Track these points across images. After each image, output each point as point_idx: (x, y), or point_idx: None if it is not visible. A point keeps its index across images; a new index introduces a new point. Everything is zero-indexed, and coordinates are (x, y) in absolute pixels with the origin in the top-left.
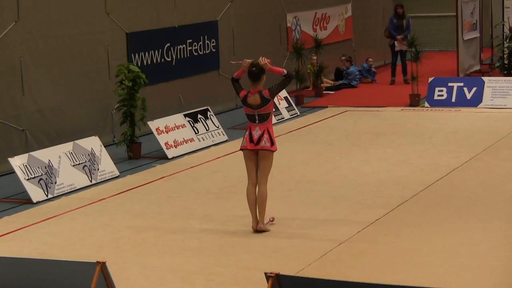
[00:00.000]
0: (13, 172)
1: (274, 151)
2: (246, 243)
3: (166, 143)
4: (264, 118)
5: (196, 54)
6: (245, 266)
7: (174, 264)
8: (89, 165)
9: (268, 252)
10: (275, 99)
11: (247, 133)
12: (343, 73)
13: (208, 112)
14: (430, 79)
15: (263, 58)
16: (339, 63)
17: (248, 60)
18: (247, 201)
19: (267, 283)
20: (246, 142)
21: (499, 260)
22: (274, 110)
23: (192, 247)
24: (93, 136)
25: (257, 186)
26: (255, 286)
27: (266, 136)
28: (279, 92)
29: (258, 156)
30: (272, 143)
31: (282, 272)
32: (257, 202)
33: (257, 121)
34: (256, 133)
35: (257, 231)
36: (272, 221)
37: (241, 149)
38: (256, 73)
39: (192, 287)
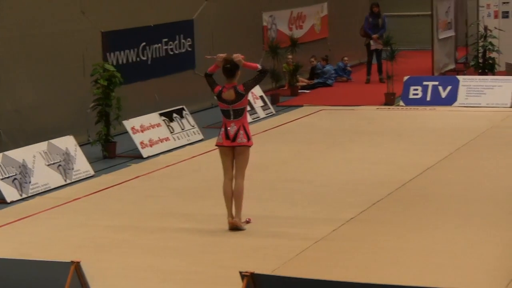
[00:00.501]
0: None
1: (250, 146)
2: (225, 242)
3: (141, 142)
4: (239, 113)
5: (171, 53)
6: (224, 265)
7: (153, 263)
8: (63, 164)
9: (247, 251)
10: (251, 98)
11: (223, 129)
12: (314, 73)
13: (184, 111)
14: (405, 78)
15: (237, 55)
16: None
17: (221, 55)
18: (224, 195)
19: (242, 282)
20: (222, 139)
21: (477, 258)
22: (249, 109)
23: (170, 247)
24: (68, 136)
25: (233, 181)
26: (233, 285)
27: (242, 132)
28: (254, 86)
29: (234, 152)
30: (248, 138)
31: (259, 271)
32: (233, 196)
33: (232, 117)
34: (232, 130)
35: (233, 226)
36: (248, 222)
37: (217, 146)
38: (230, 69)
39: (171, 286)
